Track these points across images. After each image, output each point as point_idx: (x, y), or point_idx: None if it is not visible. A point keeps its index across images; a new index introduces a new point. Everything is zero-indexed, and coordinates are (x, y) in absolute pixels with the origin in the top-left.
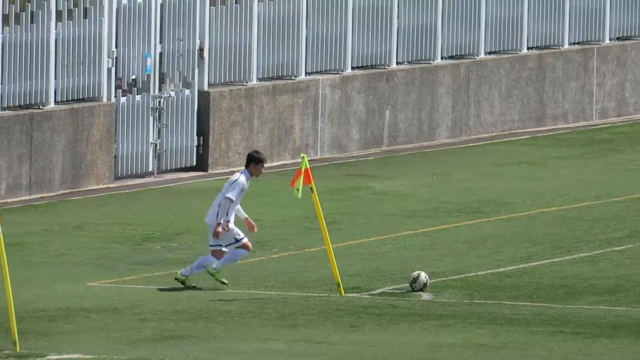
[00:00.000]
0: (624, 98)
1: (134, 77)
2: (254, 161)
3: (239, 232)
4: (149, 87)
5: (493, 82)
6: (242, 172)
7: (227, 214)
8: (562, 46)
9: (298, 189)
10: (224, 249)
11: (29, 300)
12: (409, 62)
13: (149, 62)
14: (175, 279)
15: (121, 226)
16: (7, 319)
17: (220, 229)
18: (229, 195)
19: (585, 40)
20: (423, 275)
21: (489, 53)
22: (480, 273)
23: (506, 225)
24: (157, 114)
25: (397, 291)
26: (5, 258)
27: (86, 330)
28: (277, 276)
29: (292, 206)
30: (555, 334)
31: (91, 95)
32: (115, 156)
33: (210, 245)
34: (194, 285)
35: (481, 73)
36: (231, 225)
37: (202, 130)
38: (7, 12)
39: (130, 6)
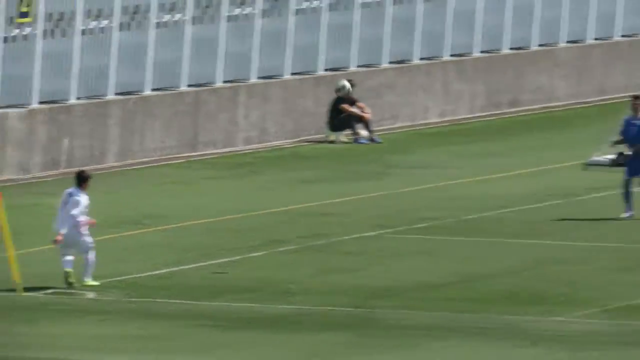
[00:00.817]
0: (266, 128)
1: None
2: (86, 179)
3: None
4: None
5: (156, 114)
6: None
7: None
8: (215, 84)
9: None
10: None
11: None
12: (85, 98)
13: None
14: None
15: None
16: None
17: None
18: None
19: (234, 79)
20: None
21: (153, 90)
22: (138, 275)
23: (162, 235)
24: None
25: (67, 291)
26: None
27: None
28: None
29: None
30: (200, 326)
31: None
32: None
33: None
34: None
35: (146, 107)
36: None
37: None
38: None
39: None
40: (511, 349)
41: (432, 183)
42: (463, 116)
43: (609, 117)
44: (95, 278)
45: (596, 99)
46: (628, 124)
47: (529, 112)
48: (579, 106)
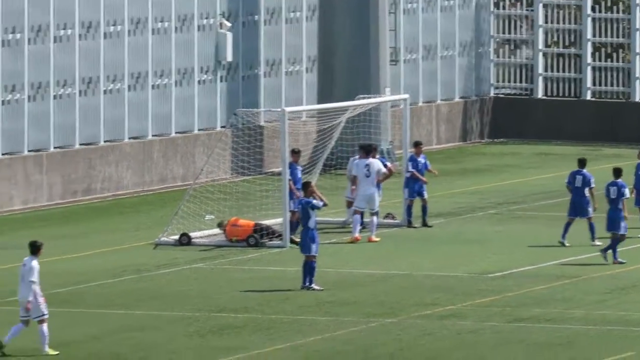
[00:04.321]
0: None
1: None
2: (39, 249)
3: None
4: None
5: None
6: (32, 259)
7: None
8: None
9: None
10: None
11: None
12: None
13: None
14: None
15: None
16: None
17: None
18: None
19: None
20: None
21: None
22: None
23: None
24: None
25: None
26: None
27: None
28: None
29: None
30: None
31: None
32: None
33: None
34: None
35: None
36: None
37: None
38: None
39: None
40: None
41: (18, 263)
42: (44, 203)
43: (169, 203)
44: None
45: (157, 187)
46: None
47: (101, 200)
48: (143, 194)
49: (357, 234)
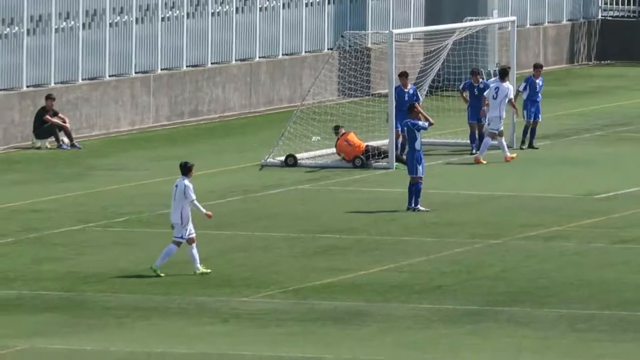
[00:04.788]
0: None
1: None
2: (190, 170)
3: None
4: None
5: None
6: (184, 179)
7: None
8: None
9: None
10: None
11: None
12: None
13: None
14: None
15: None
16: None
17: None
18: (193, 197)
19: None
20: None
21: None
22: None
23: None
24: None
25: None
26: None
27: None
28: None
29: None
30: None
31: None
32: None
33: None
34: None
35: None
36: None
37: None
38: None
39: None
40: (204, 325)
41: (128, 183)
42: (150, 125)
43: (275, 125)
44: None
45: (264, 109)
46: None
47: (208, 121)
48: (250, 115)
49: (507, 154)
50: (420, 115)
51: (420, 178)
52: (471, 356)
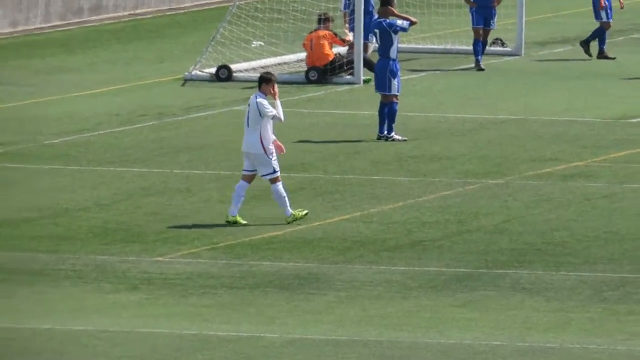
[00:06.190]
0: None
1: None
2: (264, 81)
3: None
4: None
5: None
6: (258, 95)
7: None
8: None
9: None
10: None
11: None
12: None
13: None
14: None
15: None
16: None
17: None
18: (272, 112)
19: None
20: None
21: None
22: None
23: None
24: None
25: None
26: None
27: None
28: None
29: None
30: None
31: None
32: None
33: (264, 175)
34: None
35: None
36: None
37: None
38: None
39: None
40: (107, 294)
41: (7, 102)
42: (38, 25)
43: (203, 25)
44: None
45: (190, 4)
46: None
47: (115, 21)
48: (170, 13)
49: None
50: (396, 16)
51: (396, 97)
52: (463, 335)
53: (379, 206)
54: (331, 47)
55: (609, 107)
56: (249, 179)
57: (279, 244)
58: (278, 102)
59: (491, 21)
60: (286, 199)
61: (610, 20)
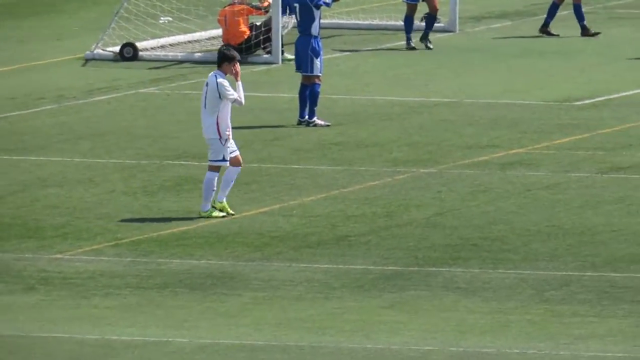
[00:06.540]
0: None
1: None
2: (226, 59)
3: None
4: None
5: None
6: (217, 74)
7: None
8: None
9: None
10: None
11: None
12: None
13: None
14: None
15: None
16: None
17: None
18: (232, 95)
19: None
20: None
21: None
22: None
23: None
24: None
25: None
26: None
27: None
28: None
29: None
30: None
31: None
32: None
33: (210, 161)
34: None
35: None
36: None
37: None
38: None
39: None
40: (0, 295)
41: None
42: None
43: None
44: None
45: None
46: None
47: None
48: None
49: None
50: None
51: (318, 78)
52: (391, 339)
53: (299, 198)
54: (248, 23)
55: (552, 88)
56: (236, 162)
57: (189, 240)
58: (240, 84)
59: None
60: (213, 193)
61: None
